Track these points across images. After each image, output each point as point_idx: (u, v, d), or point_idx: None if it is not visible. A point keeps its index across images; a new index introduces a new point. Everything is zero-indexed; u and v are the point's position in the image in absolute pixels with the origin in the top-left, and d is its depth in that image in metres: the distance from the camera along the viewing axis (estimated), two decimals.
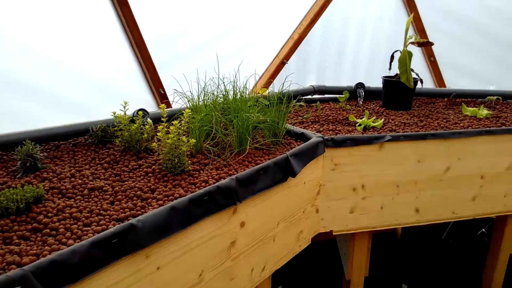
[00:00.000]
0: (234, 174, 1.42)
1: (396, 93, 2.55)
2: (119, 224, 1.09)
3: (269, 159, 1.60)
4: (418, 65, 3.18)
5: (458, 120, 2.36)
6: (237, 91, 1.88)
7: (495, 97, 2.80)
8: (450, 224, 3.41)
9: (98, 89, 2.34)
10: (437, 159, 2.11)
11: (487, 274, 2.66)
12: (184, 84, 1.85)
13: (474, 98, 2.89)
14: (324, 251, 2.74)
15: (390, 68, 2.56)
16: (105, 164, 1.51)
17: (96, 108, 2.28)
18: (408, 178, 2.08)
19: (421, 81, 2.56)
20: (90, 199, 1.25)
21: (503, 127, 2.21)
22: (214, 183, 1.35)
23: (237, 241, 1.40)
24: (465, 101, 2.81)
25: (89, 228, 1.09)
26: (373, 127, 2.15)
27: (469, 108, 2.52)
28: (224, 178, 1.40)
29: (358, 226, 2.06)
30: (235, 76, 1.89)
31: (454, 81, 3.30)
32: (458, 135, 2.10)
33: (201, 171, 1.47)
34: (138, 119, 1.62)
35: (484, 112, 2.45)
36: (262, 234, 1.53)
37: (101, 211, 1.17)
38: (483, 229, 3.37)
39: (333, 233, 2.01)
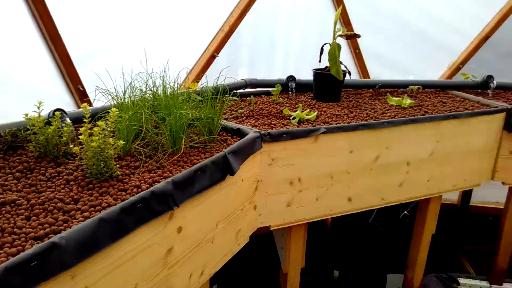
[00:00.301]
0: (169, 176, 1.32)
1: (327, 85, 2.59)
2: (38, 243, 0.95)
3: (206, 157, 1.52)
4: (345, 57, 3.27)
5: (384, 110, 2.45)
6: (167, 86, 1.76)
7: (416, 87, 2.96)
8: (376, 209, 3.58)
9: (6, 88, 2.07)
10: (367, 149, 2.17)
11: (412, 254, 2.83)
12: (107, 80, 1.69)
13: (397, 88, 3.03)
14: (261, 245, 2.73)
15: (320, 61, 2.59)
16: (17, 173, 1.32)
17: (4, 109, 2.02)
18: (341, 169, 2.12)
19: (349, 73, 2.63)
20: (1, 216, 1.08)
21: (426, 115, 2.33)
22: (147, 187, 1.24)
23: (174, 248, 1.31)
24: (389, 91, 2.93)
25: (1, 251, 0.93)
26: (307, 120, 2.16)
27: (394, 98, 2.63)
28: (158, 182, 1.29)
29: (295, 219, 2.06)
30: (165, 71, 1.77)
31: (377, 72, 3.43)
32: (386, 124, 2.17)
33: (132, 175, 1.35)
34: (55, 121, 1.45)
35: (407, 101, 2.57)
36: (200, 237, 1.45)
37: (15, 229, 1.02)
38: (406, 212, 3.60)
39: (271, 228, 1.99)
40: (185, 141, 1.57)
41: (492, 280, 3.00)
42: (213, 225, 1.52)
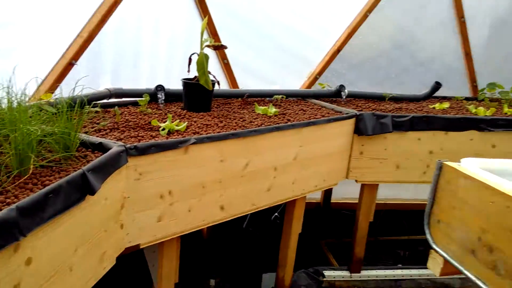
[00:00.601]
0: (13, 202, 1.16)
1: (197, 95, 2.59)
2: None
3: (60, 177, 1.38)
4: (214, 67, 3.31)
5: (252, 118, 2.55)
6: (13, 98, 1.56)
7: (280, 96, 3.15)
8: (249, 214, 3.71)
9: None
10: (237, 157, 2.24)
11: (282, 253, 2.99)
12: None
13: (263, 97, 3.19)
14: (131, 263, 2.60)
15: (189, 71, 2.58)
16: None
17: None
18: (213, 178, 2.14)
19: (218, 83, 2.68)
20: None
21: (289, 123, 2.49)
22: None
23: (22, 284, 1.15)
24: (257, 100, 3.07)
25: None
26: (177, 131, 2.13)
27: (261, 107, 2.76)
28: (0, 209, 1.13)
29: (167, 234, 2.01)
30: (10, 81, 1.56)
31: (245, 82, 3.56)
32: (254, 133, 2.27)
33: None
34: None
35: (273, 110, 2.72)
36: (56, 267, 1.31)
37: None
38: (276, 214, 3.81)
39: (141, 246, 1.90)
40: (35, 160, 1.40)
41: (352, 269, 3.34)
42: (72, 252, 1.39)
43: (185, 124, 2.18)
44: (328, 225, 4.11)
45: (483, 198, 1.74)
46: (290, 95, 3.30)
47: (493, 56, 4.04)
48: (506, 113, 3.30)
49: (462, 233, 1.86)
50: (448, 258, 1.96)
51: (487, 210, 1.72)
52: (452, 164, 1.95)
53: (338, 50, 3.73)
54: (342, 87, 3.38)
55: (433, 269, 2.11)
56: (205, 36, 2.65)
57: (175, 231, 2.04)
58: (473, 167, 1.86)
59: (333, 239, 4.06)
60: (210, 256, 3.56)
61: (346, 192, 4.01)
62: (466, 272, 1.84)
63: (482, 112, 3.18)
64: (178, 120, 2.27)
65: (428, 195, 2.09)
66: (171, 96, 2.75)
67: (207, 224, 2.20)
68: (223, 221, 2.28)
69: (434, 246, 2.06)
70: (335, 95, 3.40)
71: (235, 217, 2.35)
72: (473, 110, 3.25)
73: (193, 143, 1.97)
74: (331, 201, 4.12)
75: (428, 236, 2.10)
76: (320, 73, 3.77)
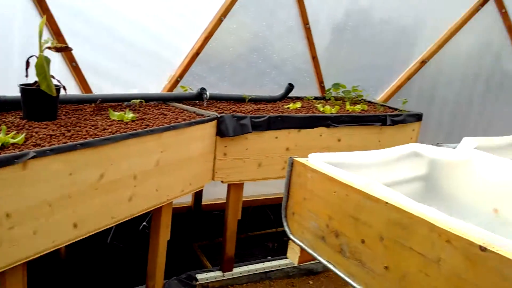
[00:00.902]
0: None
1: (38, 103, 2.32)
2: None
3: None
4: (61, 71, 3.01)
5: (106, 126, 2.39)
6: None
7: (139, 100, 3.03)
8: (114, 227, 3.49)
9: None
10: (89, 169, 2.07)
11: (151, 263, 2.88)
12: None
13: (120, 102, 3.02)
14: None
15: (27, 75, 2.30)
16: None
17: None
18: (61, 194, 1.95)
19: (64, 88, 2.44)
20: None
21: (147, 129, 2.40)
22: None
23: None
24: (112, 106, 2.89)
25: None
26: (13, 144, 1.88)
27: (116, 113, 2.61)
28: None
29: (7, 262, 1.75)
30: None
31: (99, 86, 3.32)
32: (107, 141, 2.13)
33: None
34: None
35: (130, 115, 2.59)
36: None
37: None
38: (144, 223, 3.66)
39: None
40: None
41: (224, 269, 3.39)
42: None
43: (23, 135, 1.93)
44: (200, 227, 4.11)
45: (327, 189, 1.92)
46: (150, 99, 3.20)
47: (335, 58, 4.52)
48: (348, 110, 3.72)
49: (313, 222, 2.03)
50: (304, 246, 2.11)
51: (331, 199, 1.91)
52: (301, 159, 2.11)
53: (197, 53, 3.74)
54: (203, 89, 3.40)
55: (292, 258, 2.26)
56: (47, 36, 2.39)
57: (19, 257, 1.79)
58: (318, 161, 2.04)
59: (206, 241, 4.07)
60: (69, 277, 3.24)
61: (217, 192, 4.06)
62: (319, 257, 2.01)
63: (328, 110, 3.52)
64: (14, 132, 2.00)
65: (284, 189, 2.23)
66: (8, 105, 2.43)
67: (58, 245, 1.99)
68: (78, 239, 2.09)
69: (291, 236, 2.21)
70: (197, 98, 3.41)
71: (93, 233, 2.18)
72: (321, 109, 3.58)
73: (33, 157, 1.76)
74: (202, 203, 4.13)
75: (286, 228, 2.25)
76: (181, 76, 3.74)
